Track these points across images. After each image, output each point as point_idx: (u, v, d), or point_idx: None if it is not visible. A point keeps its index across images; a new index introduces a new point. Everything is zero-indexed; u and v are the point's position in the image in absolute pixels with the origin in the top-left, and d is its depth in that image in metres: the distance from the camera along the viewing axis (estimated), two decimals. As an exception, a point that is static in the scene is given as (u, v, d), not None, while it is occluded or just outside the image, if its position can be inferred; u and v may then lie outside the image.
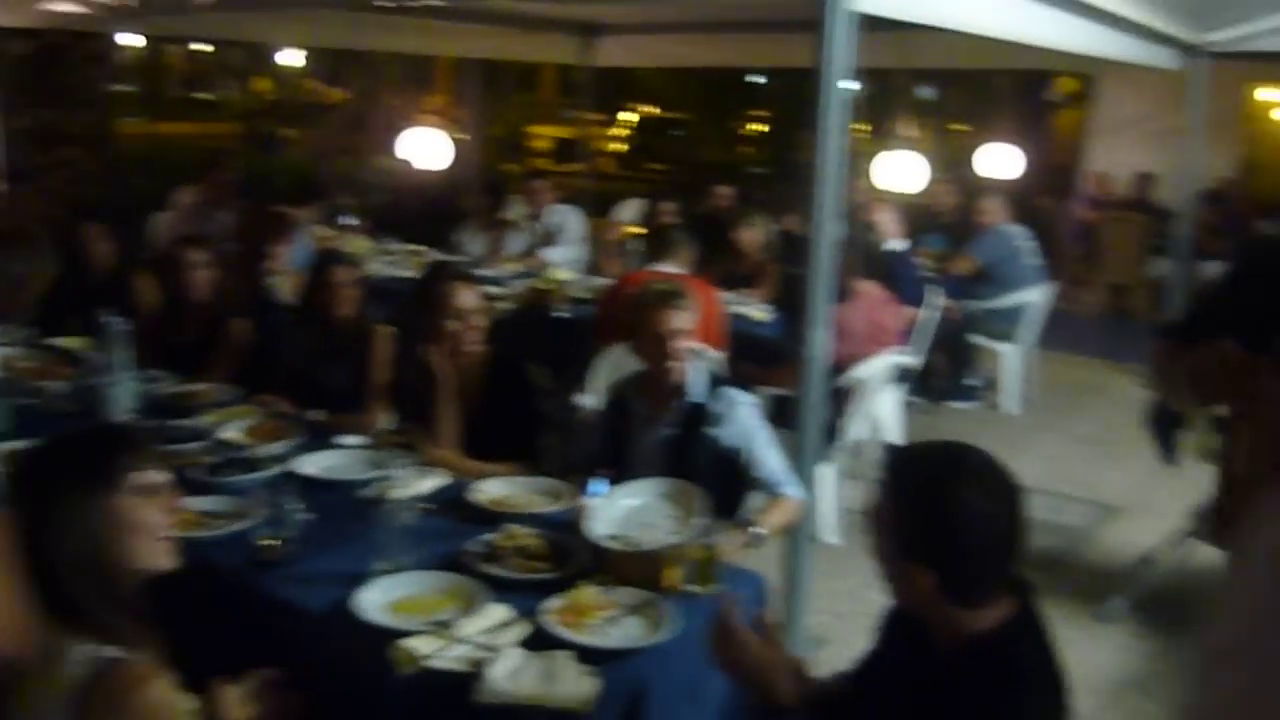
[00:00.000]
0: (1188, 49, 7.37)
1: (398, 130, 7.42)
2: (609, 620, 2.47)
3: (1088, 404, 7.25)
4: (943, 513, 1.77)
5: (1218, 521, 2.11)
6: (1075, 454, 6.35)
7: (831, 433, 4.66)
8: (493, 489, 3.20)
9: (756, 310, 5.75)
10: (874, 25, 3.36)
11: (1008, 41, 4.84)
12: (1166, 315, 7.32)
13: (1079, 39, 5.70)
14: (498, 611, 2.47)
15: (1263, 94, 12.70)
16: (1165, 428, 4.46)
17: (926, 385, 6.92)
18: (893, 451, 1.99)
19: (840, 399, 4.88)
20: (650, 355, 3.32)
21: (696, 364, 3.42)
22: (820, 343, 3.47)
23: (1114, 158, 11.62)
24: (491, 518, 3.00)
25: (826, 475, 4.69)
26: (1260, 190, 11.91)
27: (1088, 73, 12.25)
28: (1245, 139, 12.37)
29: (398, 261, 7.07)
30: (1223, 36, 7.29)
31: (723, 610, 1.99)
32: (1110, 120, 11.93)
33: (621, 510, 2.88)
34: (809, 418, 3.49)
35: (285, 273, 5.70)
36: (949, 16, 4.11)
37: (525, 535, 2.83)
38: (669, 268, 5.10)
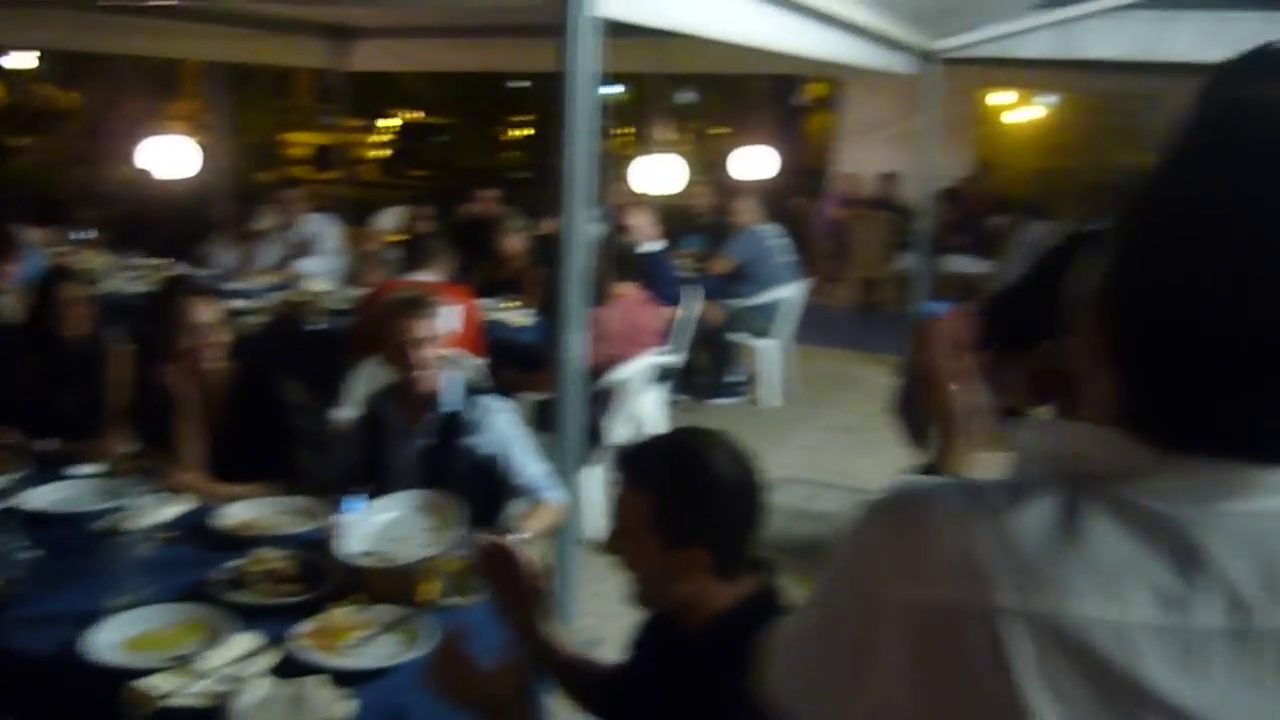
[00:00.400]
0: (922, 55, 7.80)
1: (139, 137, 7.02)
2: (364, 640, 2.40)
3: (843, 394, 7.57)
4: (706, 486, 1.83)
5: None
6: (832, 443, 6.61)
7: (595, 435, 4.69)
8: (240, 512, 3.06)
9: (519, 316, 5.74)
10: (626, 30, 3.39)
11: (756, 48, 5.00)
12: (912, 305, 7.70)
13: (820, 46, 5.93)
14: (245, 641, 2.36)
15: (994, 98, 13.56)
16: (916, 417, 4.69)
17: (690, 383, 7.07)
18: (629, 453, 1.99)
19: (603, 401, 4.92)
20: (399, 365, 3.26)
21: (451, 372, 3.38)
22: (577, 346, 3.48)
23: (861, 159, 12.18)
24: (239, 542, 2.87)
25: (592, 477, 4.71)
26: (992, 187, 12.72)
27: (835, 78, 12.82)
28: (978, 140, 13.20)
29: (140, 277, 6.70)
30: (951, 43, 7.76)
31: (446, 635, 1.96)
32: (856, 123, 12.52)
33: (375, 526, 2.80)
34: (569, 421, 3.50)
35: (11, 292, 5.31)
36: (693, 23, 4.20)
37: (275, 558, 2.72)
38: (426, 276, 5.02)
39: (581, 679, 2.14)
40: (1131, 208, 0.81)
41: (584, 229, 3.45)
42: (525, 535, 3.03)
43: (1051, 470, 0.82)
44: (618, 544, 1.91)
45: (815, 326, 8.63)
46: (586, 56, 3.28)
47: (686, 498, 1.83)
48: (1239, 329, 0.75)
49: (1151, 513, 0.77)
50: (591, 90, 3.33)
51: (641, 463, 1.91)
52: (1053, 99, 14.68)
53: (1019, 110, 14.79)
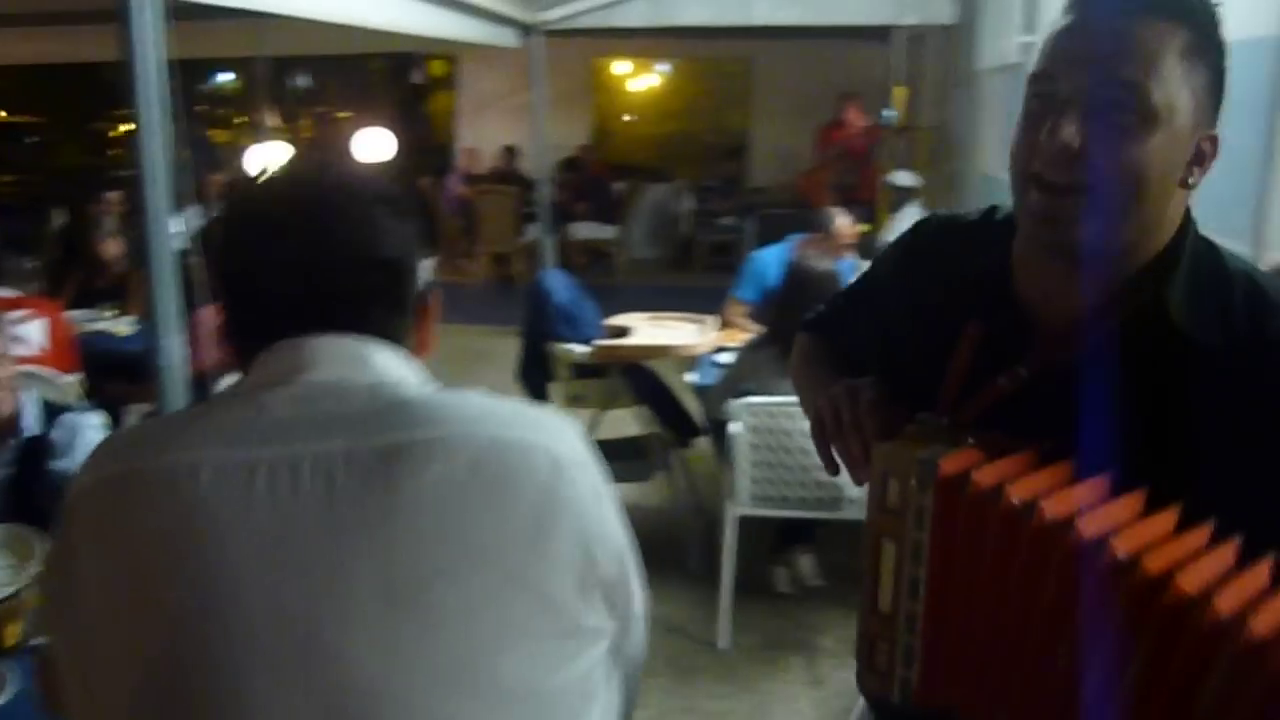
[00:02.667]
0: (526, 28, 7.91)
1: None
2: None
3: (478, 369, 7.58)
4: None
5: None
6: (472, 419, 6.60)
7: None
8: None
9: (121, 325, 5.37)
10: (221, 14, 3.20)
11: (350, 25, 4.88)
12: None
13: (420, 22, 5.88)
14: None
15: (615, 67, 13.98)
16: (535, 380, 4.79)
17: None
18: None
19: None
20: (-35, 392, 2.95)
21: (29, 393, 3.09)
22: (175, 350, 3.31)
23: (482, 134, 12.26)
24: None
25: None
26: (611, 154, 13.13)
27: (451, 55, 12.79)
28: (598, 108, 13.58)
29: None
30: (554, 15, 7.91)
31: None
32: (474, 98, 12.58)
33: (-53, 571, 2.53)
34: (173, 430, 3.31)
35: None
36: (275, 2, 4.05)
37: None
38: (3, 292, 4.60)
39: None
40: (208, 236, 1.25)
41: (171, 227, 3.27)
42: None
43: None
44: None
45: (449, 304, 8.54)
46: (151, 42, 3.09)
47: None
48: (240, 296, 1.12)
49: (241, 392, 1.09)
50: (161, 79, 3.14)
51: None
52: (666, 66, 15.29)
53: (637, 78, 15.31)
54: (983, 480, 1.07)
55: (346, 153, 1.10)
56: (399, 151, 10.96)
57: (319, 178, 1.16)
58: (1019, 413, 1.19)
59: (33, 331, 4.37)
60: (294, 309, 1.09)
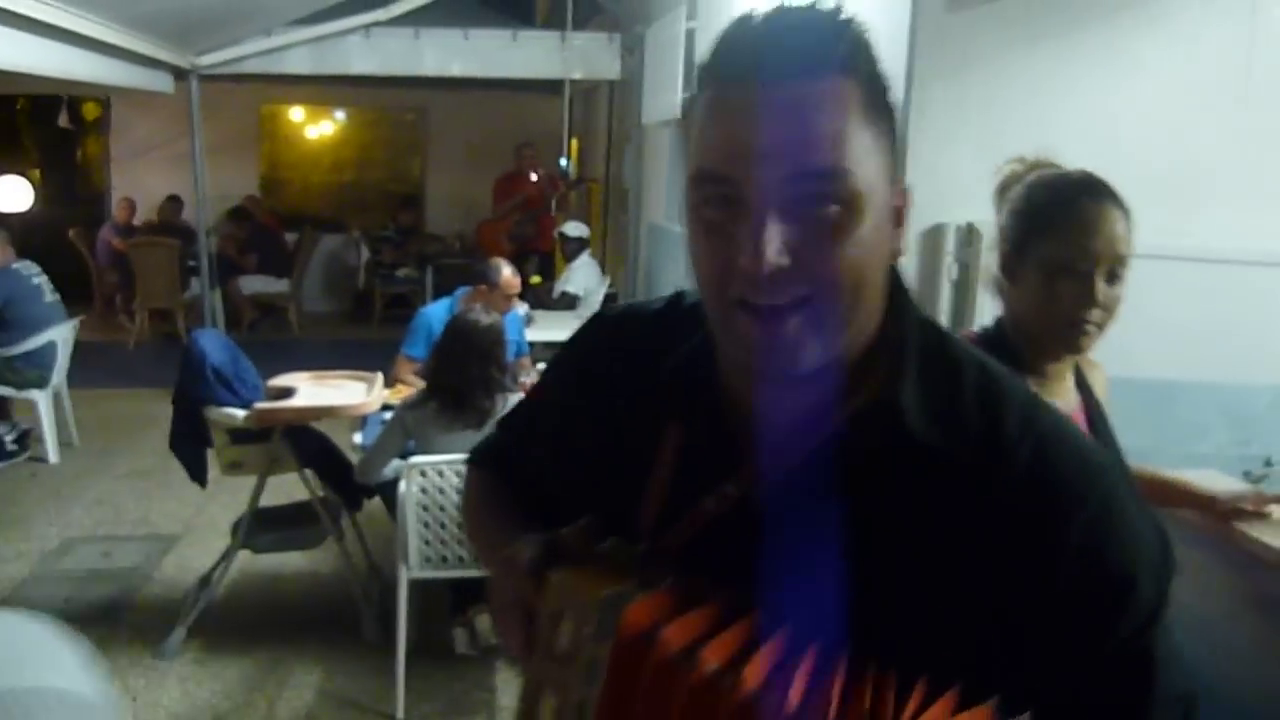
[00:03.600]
0: (180, 72, 7.51)
1: None
2: None
3: (139, 436, 7.06)
4: None
5: None
6: (128, 491, 6.12)
7: None
8: None
9: None
10: None
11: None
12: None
13: (53, 63, 5.45)
14: None
15: (291, 115, 13.51)
16: (192, 448, 4.48)
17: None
18: None
19: None
20: None
21: None
22: None
23: (140, 182, 11.59)
24: None
25: None
26: (283, 204, 12.68)
27: (101, 98, 12.00)
28: (269, 156, 13.09)
29: None
30: (211, 60, 7.57)
31: None
32: (130, 145, 11.87)
33: None
34: None
35: None
36: None
37: None
38: None
39: None
40: None
41: None
42: None
43: None
44: None
45: (106, 366, 8.05)
46: None
47: None
48: None
49: None
50: None
51: None
52: (341, 114, 14.94)
53: (310, 126, 14.86)
54: (673, 640, 0.87)
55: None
56: (46, 201, 10.17)
57: None
58: (731, 537, 0.99)
59: None
60: None
